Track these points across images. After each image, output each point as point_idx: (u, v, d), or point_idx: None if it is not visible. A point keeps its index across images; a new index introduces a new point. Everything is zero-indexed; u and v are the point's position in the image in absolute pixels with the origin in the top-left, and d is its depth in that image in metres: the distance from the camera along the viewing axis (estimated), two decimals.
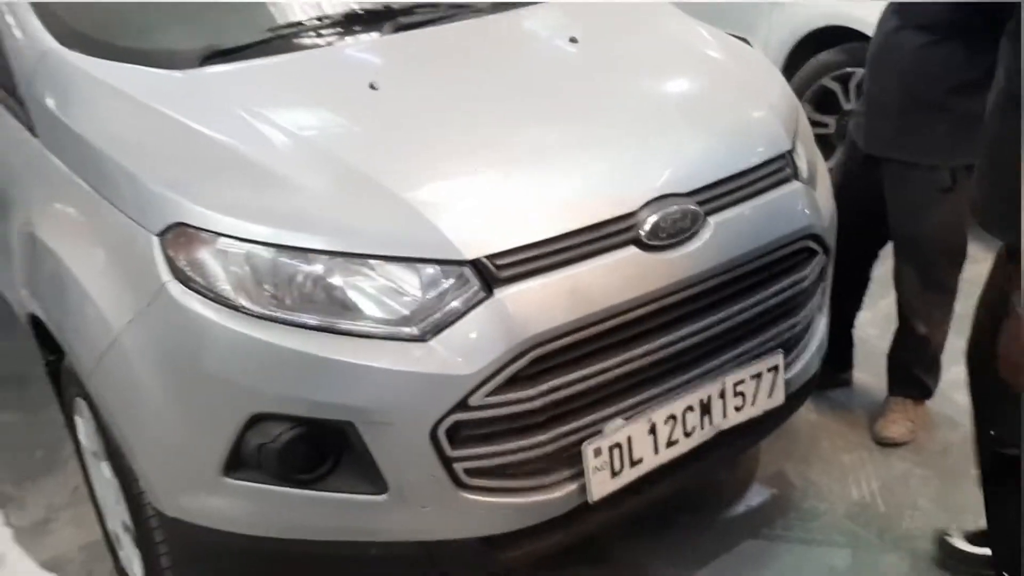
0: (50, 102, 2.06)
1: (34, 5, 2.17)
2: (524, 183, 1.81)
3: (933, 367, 2.70)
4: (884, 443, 2.68)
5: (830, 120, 4.26)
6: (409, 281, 1.69)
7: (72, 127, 1.97)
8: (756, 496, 2.55)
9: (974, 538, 2.22)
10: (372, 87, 2.05)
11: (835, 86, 4.15)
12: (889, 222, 2.54)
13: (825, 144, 4.31)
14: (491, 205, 1.77)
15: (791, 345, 2.14)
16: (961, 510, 2.42)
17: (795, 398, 2.20)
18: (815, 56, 4.19)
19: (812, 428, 2.78)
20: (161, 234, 1.71)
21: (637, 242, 1.81)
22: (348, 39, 2.25)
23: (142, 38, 2.18)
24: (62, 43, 2.10)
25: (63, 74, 2.06)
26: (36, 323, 2.16)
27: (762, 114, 2.13)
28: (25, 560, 2.43)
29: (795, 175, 2.09)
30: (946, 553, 2.25)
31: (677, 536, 2.39)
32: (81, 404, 2.11)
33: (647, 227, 1.82)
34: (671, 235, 1.84)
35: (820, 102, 4.24)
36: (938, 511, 2.44)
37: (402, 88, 2.09)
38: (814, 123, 4.19)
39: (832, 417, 2.82)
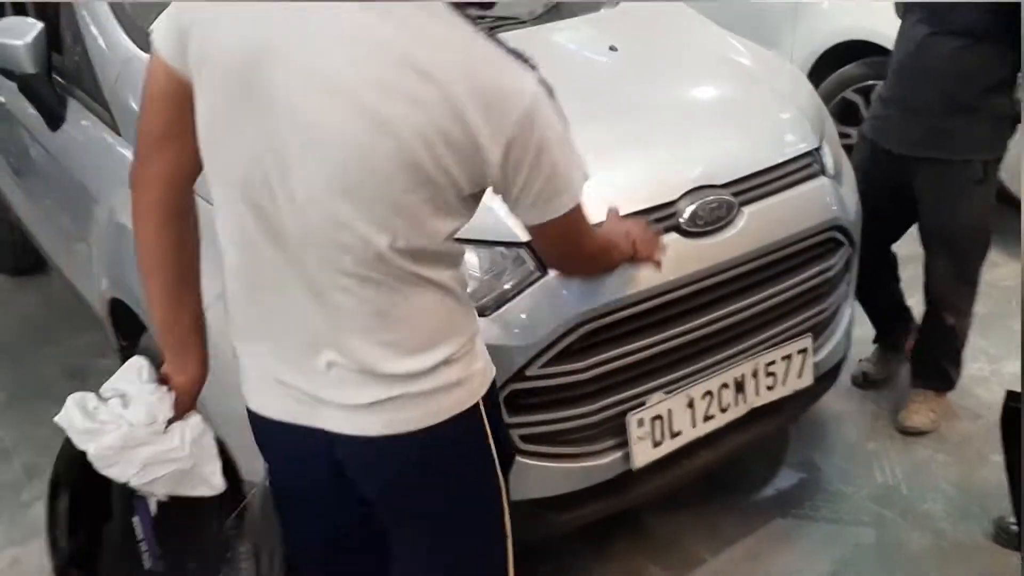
0: (133, 103, 2.25)
1: (117, 17, 2.35)
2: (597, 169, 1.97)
3: (958, 359, 2.83)
4: (907, 432, 2.80)
5: (852, 131, 4.39)
6: (471, 261, 1.84)
7: None
8: (784, 479, 2.68)
9: None
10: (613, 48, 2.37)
11: (857, 98, 4.30)
12: (920, 218, 2.67)
13: (848, 153, 4.47)
14: None
15: (819, 330, 2.29)
16: (983, 495, 2.54)
17: (823, 380, 2.35)
18: (838, 70, 4.34)
19: (837, 417, 2.90)
20: None
21: (677, 228, 1.97)
22: None
23: None
24: (143, 50, 2.29)
25: None
26: (115, 310, 2.33)
27: (791, 114, 2.29)
28: None
29: (822, 171, 2.24)
30: (1005, 532, 2.36)
31: (710, 514, 2.52)
32: None
33: (686, 215, 1.97)
34: (708, 222, 1.99)
35: (843, 114, 4.38)
36: (960, 495, 2.56)
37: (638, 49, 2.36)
38: (837, 134, 4.35)
39: (856, 407, 2.95)
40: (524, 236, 1.81)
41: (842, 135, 4.39)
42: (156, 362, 2.12)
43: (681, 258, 1.96)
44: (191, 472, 1.32)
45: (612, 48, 2.49)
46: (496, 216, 1.83)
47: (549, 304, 1.84)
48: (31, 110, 2.61)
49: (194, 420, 1.35)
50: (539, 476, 1.93)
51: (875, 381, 3.03)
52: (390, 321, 1.23)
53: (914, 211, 2.68)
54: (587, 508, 2.03)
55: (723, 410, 2.11)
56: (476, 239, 1.84)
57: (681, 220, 1.97)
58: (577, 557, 2.38)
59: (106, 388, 1.32)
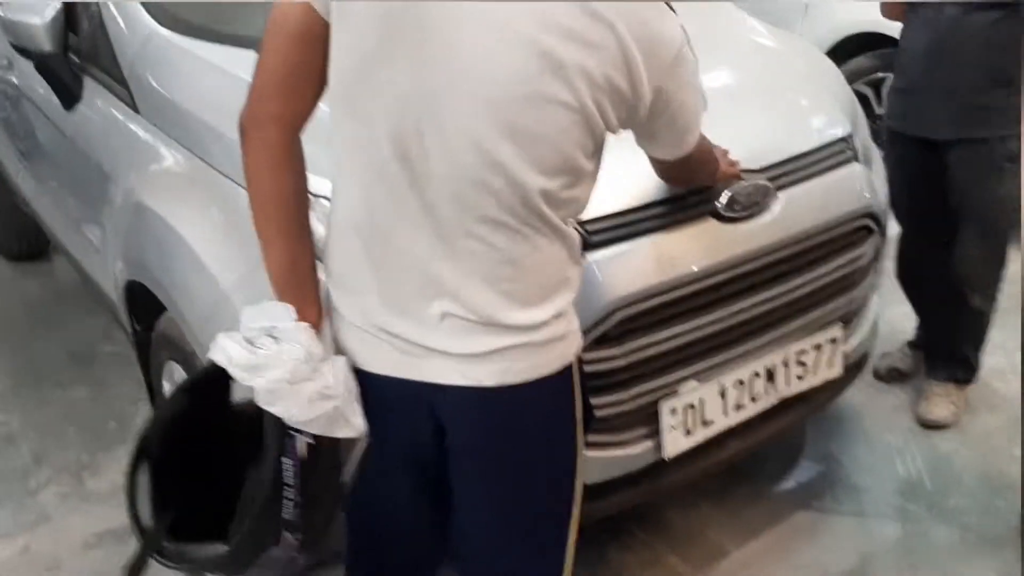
0: (153, 80, 2.20)
1: None
2: (616, 157, 1.92)
3: (981, 346, 2.82)
4: (929, 425, 2.78)
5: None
6: None
7: (176, 100, 2.11)
8: (805, 472, 2.66)
9: None
10: None
11: (868, 91, 4.27)
12: (951, 201, 2.65)
13: None
14: None
15: (848, 319, 2.26)
16: (1007, 488, 2.52)
17: (851, 370, 2.32)
18: (848, 61, 4.32)
19: (856, 411, 2.88)
20: None
21: (714, 213, 1.93)
22: None
23: (236, 23, 2.31)
24: (164, 26, 2.24)
25: (167, 54, 2.20)
26: (130, 294, 2.28)
27: (823, 99, 2.27)
28: (104, 522, 2.53)
29: (855, 157, 2.21)
30: None
31: (732, 506, 2.50)
32: (173, 367, 2.22)
33: (723, 199, 1.93)
34: (745, 207, 1.96)
35: None
36: (984, 489, 2.54)
37: None
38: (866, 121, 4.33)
39: (875, 400, 2.92)
40: None
41: None
42: (176, 345, 2.09)
43: (717, 243, 1.93)
44: (342, 411, 1.28)
45: None
46: None
47: (586, 289, 1.77)
48: (44, 90, 2.55)
49: (341, 360, 1.30)
50: None
51: (903, 375, 3.01)
52: (517, 270, 1.23)
53: (940, 195, 2.67)
54: (617, 497, 1.99)
55: (754, 399, 2.08)
56: None
57: (718, 205, 1.93)
58: (595, 546, 2.35)
59: (247, 328, 1.27)
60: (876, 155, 2.43)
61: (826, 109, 2.24)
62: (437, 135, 1.16)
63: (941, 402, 2.81)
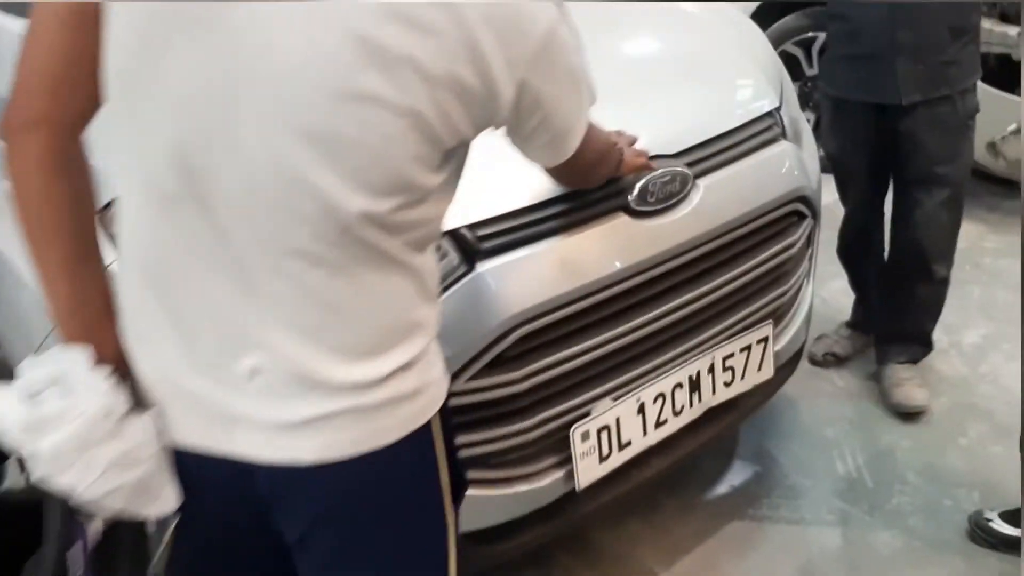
0: None
1: None
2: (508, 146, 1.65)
3: (938, 318, 2.67)
4: (909, 412, 2.60)
5: (793, 87, 4.17)
6: None
7: None
8: (739, 474, 2.45)
9: (1008, 517, 2.14)
10: None
11: (798, 51, 4.06)
12: (911, 166, 2.47)
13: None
14: (473, 169, 1.61)
15: (780, 315, 2.04)
16: (953, 484, 2.34)
17: (784, 370, 2.10)
18: (777, 21, 4.09)
19: (791, 401, 2.68)
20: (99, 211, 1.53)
21: (625, 208, 1.68)
22: None
23: None
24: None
25: None
26: None
27: (748, 71, 2.01)
28: None
29: (783, 134, 1.97)
30: (982, 530, 2.16)
31: (661, 520, 2.28)
32: None
33: (635, 192, 1.68)
34: (660, 199, 1.71)
35: None
36: (928, 485, 2.36)
37: None
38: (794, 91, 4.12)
39: (811, 388, 2.73)
40: (448, 223, 1.54)
41: None
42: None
43: (630, 243, 1.67)
44: (148, 482, 1.00)
45: None
46: None
47: (478, 305, 1.53)
48: None
49: (147, 416, 1.02)
50: (469, 507, 1.63)
51: (840, 359, 2.83)
52: (340, 315, 0.97)
53: (891, 162, 2.53)
54: (525, 536, 1.75)
55: (677, 413, 1.84)
56: None
57: (629, 198, 1.68)
58: (509, 572, 2.10)
59: (29, 379, 0.97)
60: (805, 127, 2.20)
61: (750, 81, 1.99)
62: (227, 146, 0.89)
63: (913, 386, 2.63)
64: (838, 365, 2.85)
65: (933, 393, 2.67)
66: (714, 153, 1.81)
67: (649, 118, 1.79)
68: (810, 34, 3.99)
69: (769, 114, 1.95)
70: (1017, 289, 3.18)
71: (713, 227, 1.78)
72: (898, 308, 2.66)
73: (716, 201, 1.78)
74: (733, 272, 1.85)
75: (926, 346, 2.71)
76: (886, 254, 2.69)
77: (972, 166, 2.55)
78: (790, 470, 2.46)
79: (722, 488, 2.41)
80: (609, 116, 1.73)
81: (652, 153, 1.72)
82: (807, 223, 2.03)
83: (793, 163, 1.95)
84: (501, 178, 1.60)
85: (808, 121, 4.20)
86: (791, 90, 2.21)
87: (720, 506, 2.35)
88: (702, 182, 1.77)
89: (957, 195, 2.50)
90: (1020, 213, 2.83)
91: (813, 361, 2.83)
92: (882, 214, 2.70)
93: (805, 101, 4.13)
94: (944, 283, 2.61)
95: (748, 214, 1.84)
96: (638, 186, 1.68)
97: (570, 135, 1.10)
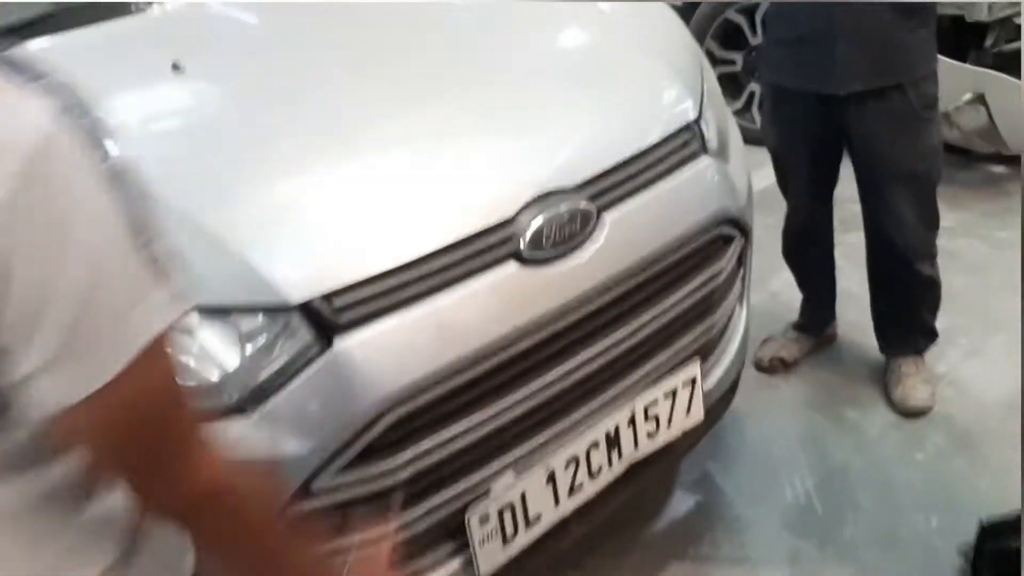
0: None
1: None
2: (367, 192, 1.41)
3: (937, 309, 2.49)
4: (913, 414, 2.42)
5: (737, 56, 3.93)
6: (217, 337, 1.29)
7: None
8: (680, 506, 2.25)
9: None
10: (176, 67, 1.62)
11: (740, 19, 3.82)
12: (870, 162, 2.27)
13: (732, 83, 3.99)
14: (324, 226, 1.37)
15: (709, 349, 1.82)
16: (910, 509, 2.16)
17: (716, 409, 1.89)
18: None
19: (736, 417, 2.45)
20: None
21: (517, 256, 1.44)
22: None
23: None
24: None
25: None
26: None
27: (661, 76, 1.76)
28: None
29: (703, 148, 1.73)
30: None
31: (596, 565, 2.07)
32: None
33: (528, 235, 1.44)
34: (559, 242, 1.47)
35: (725, 37, 3.91)
36: (882, 511, 2.16)
37: (214, 67, 1.67)
38: (720, 61, 3.86)
39: (757, 398, 2.52)
40: (295, 295, 1.30)
41: (725, 61, 3.94)
42: None
43: (524, 297, 1.44)
44: None
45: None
46: (247, 266, 1.29)
47: (338, 390, 1.30)
48: None
49: None
50: None
51: (789, 364, 2.63)
52: None
53: (837, 156, 2.34)
54: None
55: (594, 476, 1.63)
56: (219, 305, 1.29)
57: (522, 244, 1.44)
58: None
59: None
60: (731, 129, 1.96)
61: (664, 88, 1.75)
62: None
63: (916, 383, 2.45)
64: (786, 371, 2.65)
65: (884, 403, 2.48)
66: (622, 180, 1.57)
67: (543, 142, 1.55)
68: (754, 0, 3.74)
69: (687, 127, 1.71)
70: (978, 273, 3.00)
71: (624, 268, 1.55)
72: (890, 303, 2.48)
73: (627, 237, 1.55)
74: (651, 313, 1.63)
75: (929, 336, 2.51)
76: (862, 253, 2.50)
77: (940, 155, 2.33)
78: (735, 499, 2.26)
79: (662, 524, 2.21)
80: (493, 147, 1.52)
81: (549, 188, 1.48)
82: (736, 244, 1.81)
83: (717, 181, 1.72)
84: (360, 234, 1.37)
85: (753, 95, 4.00)
86: (715, 90, 1.96)
87: (660, 545, 2.15)
88: (609, 216, 1.54)
89: (925, 191, 2.29)
90: (1020, 212, 2.64)
91: (759, 367, 2.63)
92: (829, 210, 2.50)
93: (749, 72, 3.89)
94: (932, 279, 2.42)
95: (666, 248, 1.61)
96: (531, 229, 1.44)
97: (99, 348, 0.63)
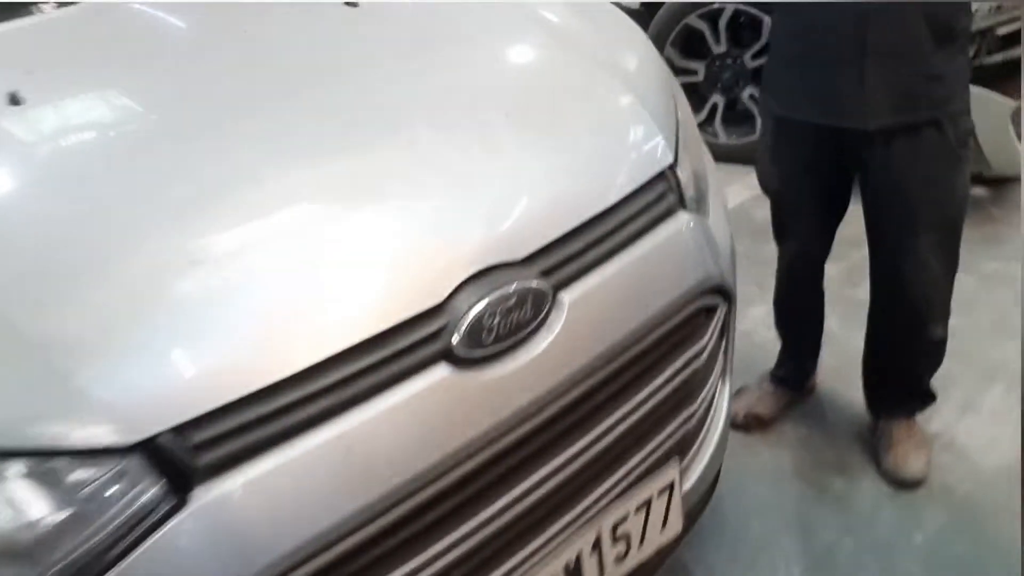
0: None
1: None
2: (240, 279, 1.05)
3: (937, 369, 2.19)
4: (906, 485, 2.14)
5: (699, 66, 3.63)
6: (25, 491, 0.93)
7: None
8: None
9: None
10: (14, 100, 1.26)
11: (703, 25, 3.51)
12: (893, 210, 1.93)
13: (693, 94, 3.69)
14: (178, 330, 1.00)
15: (688, 443, 1.49)
16: None
17: (696, 511, 1.57)
18: None
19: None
20: None
21: (449, 356, 1.10)
22: None
23: None
24: None
25: None
26: None
27: (627, 112, 1.42)
28: None
29: (680, 201, 1.40)
30: None
31: None
32: None
33: (464, 328, 1.10)
34: (504, 335, 1.13)
35: (686, 45, 3.60)
36: None
37: (66, 97, 1.30)
38: (680, 70, 3.57)
39: (734, 467, 2.20)
40: (135, 433, 0.95)
41: (686, 71, 3.64)
42: None
43: (460, 411, 1.10)
44: None
45: (349, 2, 1.57)
46: (69, 390, 0.93)
47: (205, 554, 0.95)
48: None
49: None
50: None
51: (766, 422, 2.34)
52: None
53: (849, 196, 2.04)
54: None
55: None
56: (31, 448, 0.93)
57: (455, 340, 1.10)
58: None
59: None
60: (709, 164, 1.64)
61: (631, 124, 1.41)
62: None
63: (909, 449, 2.16)
64: (763, 429, 2.35)
65: (871, 469, 2.20)
66: (582, 249, 1.23)
67: (476, 203, 1.20)
68: (716, 5, 3.44)
69: (661, 175, 1.38)
70: (968, 313, 2.72)
71: (587, 361, 1.22)
72: (891, 365, 2.19)
73: (589, 321, 1.22)
74: (620, 412, 1.30)
75: (926, 399, 2.22)
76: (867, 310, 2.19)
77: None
78: None
79: None
80: (416, 211, 1.17)
81: (491, 262, 1.14)
82: (720, 313, 1.49)
83: (697, 242, 1.39)
84: (230, 339, 1.01)
85: (716, 108, 3.70)
86: (689, 118, 1.63)
87: None
88: (567, 295, 1.20)
89: (953, 240, 1.97)
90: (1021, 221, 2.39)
91: (733, 423, 2.32)
92: (825, 257, 2.20)
93: (712, 83, 3.60)
94: (942, 342, 2.11)
95: (637, 331, 1.28)
96: (467, 319, 1.10)
97: None
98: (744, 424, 2.33)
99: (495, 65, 1.43)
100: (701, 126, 3.67)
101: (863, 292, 2.50)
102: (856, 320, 2.37)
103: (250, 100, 1.28)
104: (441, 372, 1.09)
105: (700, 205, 1.47)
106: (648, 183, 1.35)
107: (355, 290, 1.07)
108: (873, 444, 2.25)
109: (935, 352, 2.12)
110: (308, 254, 1.06)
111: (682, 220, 1.38)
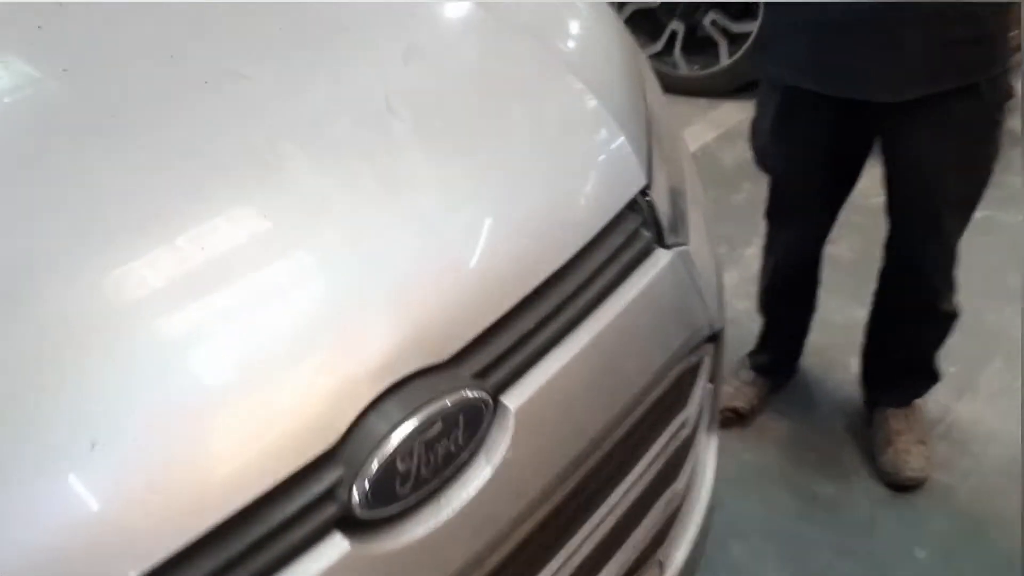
0: None
1: None
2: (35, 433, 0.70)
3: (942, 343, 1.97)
4: (906, 485, 1.92)
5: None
6: None
7: None
8: None
9: None
10: None
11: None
12: (914, 188, 1.71)
13: (649, 22, 3.35)
14: None
15: (670, 524, 1.21)
16: None
17: None
18: None
19: None
20: None
21: (348, 522, 0.77)
22: None
23: None
24: None
25: None
26: None
27: (586, 120, 1.07)
28: None
29: (658, 236, 1.08)
30: None
31: None
32: None
33: (368, 479, 0.77)
34: (426, 478, 0.81)
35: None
36: None
37: None
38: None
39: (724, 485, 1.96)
40: None
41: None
42: None
43: None
44: None
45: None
46: None
47: None
48: None
49: None
50: None
51: (744, 416, 2.09)
52: None
53: (861, 167, 1.81)
54: None
55: None
56: None
57: (355, 500, 0.77)
58: None
59: None
60: (690, 172, 1.30)
61: (590, 139, 1.06)
62: None
63: (909, 444, 1.95)
64: (741, 425, 2.09)
65: (868, 471, 1.96)
66: (528, 333, 0.91)
67: (379, 286, 0.85)
68: None
69: (632, 204, 1.04)
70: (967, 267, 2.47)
71: (543, 484, 0.90)
72: (898, 346, 1.97)
73: (545, 430, 0.90)
74: (586, 530, 1.00)
75: (930, 380, 2.00)
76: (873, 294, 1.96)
77: None
78: None
79: None
80: (280, 302, 0.82)
81: (402, 371, 0.81)
82: (707, 364, 1.19)
83: (681, 287, 1.07)
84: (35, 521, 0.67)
85: (676, 35, 3.33)
86: (659, 99, 1.28)
87: None
88: (512, 400, 0.88)
89: (970, 208, 1.74)
90: None
91: None
92: (823, 245, 1.92)
93: (671, 8, 3.23)
94: (954, 315, 1.89)
95: (610, 424, 0.97)
96: (371, 466, 0.77)
97: None
98: (720, 421, 2.07)
99: (393, 65, 1.05)
100: (659, 56, 3.30)
101: (846, 250, 2.27)
102: (842, 285, 2.12)
103: (39, 146, 0.88)
104: (337, 548, 0.76)
105: (679, 228, 1.14)
106: (614, 220, 1.01)
107: (205, 448, 0.73)
108: (868, 437, 2.01)
109: (946, 326, 1.90)
110: (155, 386, 0.72)
111: (660, 261, 1.05)
